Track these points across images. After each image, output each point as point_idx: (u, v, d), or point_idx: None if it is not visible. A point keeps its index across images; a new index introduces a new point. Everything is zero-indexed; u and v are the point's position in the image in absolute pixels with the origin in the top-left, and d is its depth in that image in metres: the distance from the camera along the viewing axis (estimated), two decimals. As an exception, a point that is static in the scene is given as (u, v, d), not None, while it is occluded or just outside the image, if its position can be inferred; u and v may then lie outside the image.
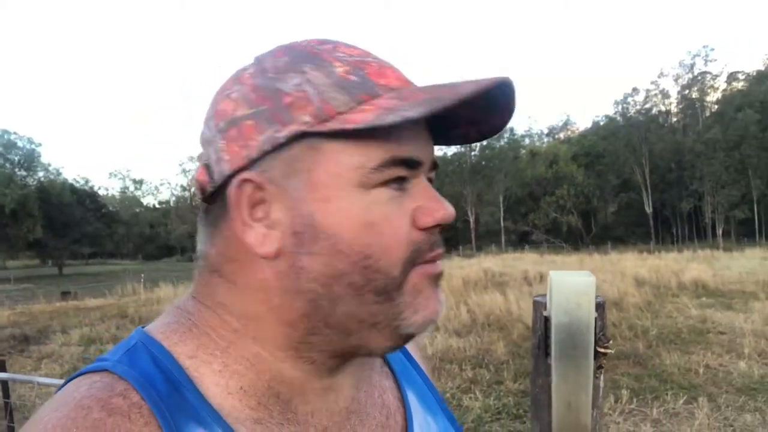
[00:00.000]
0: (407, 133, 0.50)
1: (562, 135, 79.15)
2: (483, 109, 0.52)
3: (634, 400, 5.74)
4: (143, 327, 0.55)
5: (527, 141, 74.77)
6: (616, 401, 5.68)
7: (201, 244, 0.55)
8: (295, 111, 0.48)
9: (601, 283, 14.09)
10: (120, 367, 0.47)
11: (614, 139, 57.48)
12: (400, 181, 0.50)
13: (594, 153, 60.49)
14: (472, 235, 62.45)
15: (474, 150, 67.33)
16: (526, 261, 26.83)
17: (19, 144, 50.96)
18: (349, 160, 0.48)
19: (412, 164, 0.50)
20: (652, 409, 5.50)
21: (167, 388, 0.47)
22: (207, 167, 0.52)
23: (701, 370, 6.75)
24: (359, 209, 0.48)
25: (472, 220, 63.27)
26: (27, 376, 5.48)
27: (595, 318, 1.22)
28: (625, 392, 5.85)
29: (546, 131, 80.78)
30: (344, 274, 0.48)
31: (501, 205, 62.18)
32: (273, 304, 0.51)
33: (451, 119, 0.53)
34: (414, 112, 0.44)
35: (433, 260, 0.52)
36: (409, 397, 0.65)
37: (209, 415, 0.47)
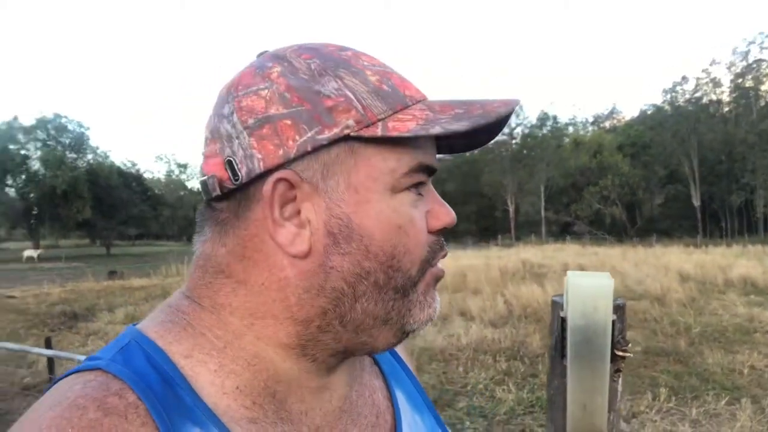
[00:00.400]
0: (427, 143, 0.54)
1: (607, 124, 77.12)
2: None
3: (673, 398, 5.60)
4: (135, 325, 0.54)
5: (571, 129, 73.21)
6: (654, 399, 5.57)
7: (204, 243, 0.55)
8: (338, 115, 0.49)
9: (644, 278, 13.78)
10: (114, 366, 0.47)
11: (662, 129, 55.54)
12: (420, 186, 0.54)
13: (640, 143, 58.70)
14: (512, 225, 61.75)
15: (515, 138, 66.38)
16: (566, 252, 26.41)
17: (70, 127, 52.78)
18: (384, 165, 0.50)
19: (431, 171, 0.54)
20: (691, 408, 5.36)
21: (163, 388, 0.47)
22: (230, 163, 0.51)
23: (746, 371, 6.54)
24: (390, 211, 0.51)
25: (511, 209, 62.54)
26: (70, 353, 5.71)
27: (614, 320, 1.20)
28: (663, 390, 5.72)
29: (591, 120, 78.89)
30: (370, 272, 0.51)
31: (542, 195, 61.17)
32: (290, 303, 0.51)
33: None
34: (458, 125, 0.48)
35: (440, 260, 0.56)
36: (398, 396, 0.66)
37: (205, 415, 0.47)
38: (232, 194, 0.52)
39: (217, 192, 0.51)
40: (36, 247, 46.02)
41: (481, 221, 68.76)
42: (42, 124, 51.09)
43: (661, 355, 7.33)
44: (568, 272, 1.22)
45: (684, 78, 61.31)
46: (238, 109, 0.51)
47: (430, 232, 0.54)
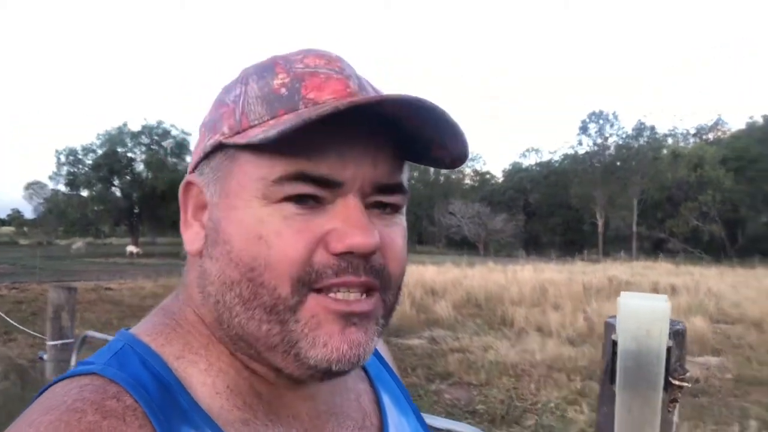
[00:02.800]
0: (328, 149, 0.47)
1: (711, 136, 72.58)
2: (431, 130, 0.49)
3: (765, 432, 5.16)
4: (128, 329, 0.55)
5: (670, 141, 69.48)
6: (741, 431, 5.14)
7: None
8: (222, 122, 0.51)
9: (741, 300, 12.84)
10: (109, 370, 0.47)
11: (772, 142, 51.67)
12: (313, 198, 0.48)
13: (747, 157, 54.77)
14: (600, 240, 59.34)
15: (609, 149, 63.84)
16: (658, 271, 25.07)
17: (173, 132, 56.00)
18: (255, 172, 0.48)
19: (325, 183, 0.47)
20: (785, 445, 4.92)
21: (158, 391, 0.47)
22: None
23: None
24: (253, 221, 0.47)
25: (600, 223, 60.12)
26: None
27: (671, 347, 1.10)
28: (754, 423, 5.29)
29: (693, 131, 74.54)
30: (234, 282, 0.48)
31: (635, 209, 58.40)
32: (200, 302, 0.53)
33: (417, 139, 0.51)
34: (274, 131, 0.44)
35: (339, 288, 0.48)
36: (384, 399, 0.66)
37: (200, 418, 0.47)
38: None
39: None
40: (135, 243, 49.15)
41: (566, 234, 66.62)
42: (147, 129, 54.62)
43: (755, 384, 6.79)
44: (622, 293, 1.14)
45: (798, 88, 56.53)
46: None
47: (332, 253, 0.47)
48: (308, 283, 0.47)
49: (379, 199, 0.51)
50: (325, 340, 0.47)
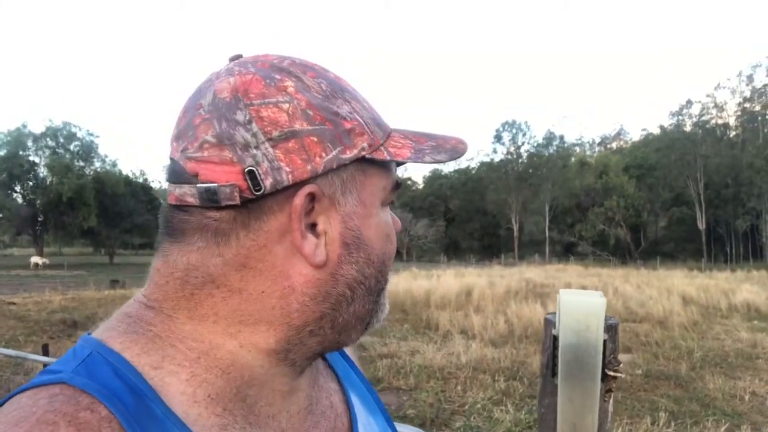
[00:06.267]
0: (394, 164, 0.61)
1: (614, 145, 77.18)
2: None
3: (672, 423, 5.53)
4: (90, 334, 0.53)
5: (578, 150, 73.28)
6: (653, 423, 5.50)
7: (188, 253, 0.53)
8: (355, 137, 0.54)
9: (646, 300, 13.70)
10: (79, 379, 0.46)
11: (668, 151, 55.60)
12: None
13: (646, 165, 58.68)
14: (515, 244, 61.60)
15: (522, 158, 66.45)
16: (570, 273, 26.32)
17: (79, 135, 53.03)
18: (380, 183, 0.57)
19: (399, 187, 0.61)
20: (690, 434, 5.30)
21: (133, 400, 0.46)
22: (251, 173, 0.49)
23: (747, 397, 6.45)
24: (384, 223, 0.58)
25: (515, 228, 62.43)
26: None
27: (606, 340, 1.19)
28: (663, 415, 5.65)
29: (598, 140, 78.96)
30: (368, 278, 0.56)
31: (547, 215, 61.11)
32: (290, 309, 0.52)
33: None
34: (440, 157, 0.57)
35: None
36: (353, 399, 0.68)
37: (176, 426, 0.47)
38: (242, 204, 0.50)
39: (234, 201, 0.50)
40: (40, 253, 46.09)
41: (484, 239, 68.69)
42: (51, 131, 51.30)
43: (662, 378, 7.25)
44: (561, 290, 1.22)
45: (689, 102, 61.33)
46: (257, 118, 0.50)
47: None
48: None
49: None
50: (385, 303, 0.61)
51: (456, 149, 0.59)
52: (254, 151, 0.50)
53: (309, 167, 0.50)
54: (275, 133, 0.50)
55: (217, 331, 0.52)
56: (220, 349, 0.52)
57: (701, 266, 36.04)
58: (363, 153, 0.54)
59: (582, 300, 1.18)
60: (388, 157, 0.55)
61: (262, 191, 0.49)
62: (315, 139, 0.51)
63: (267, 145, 0.50)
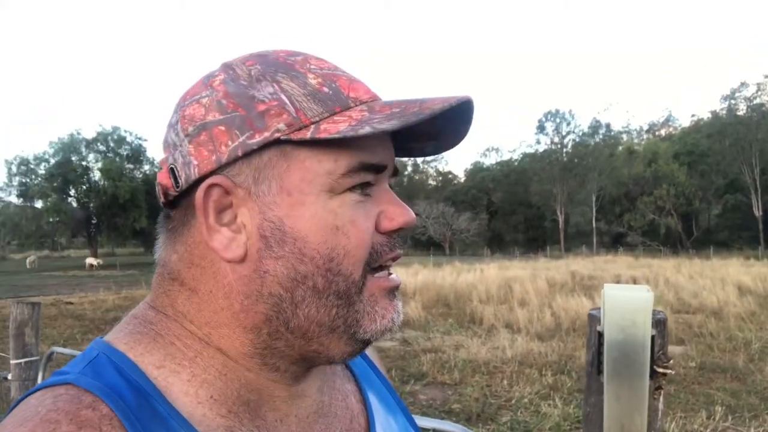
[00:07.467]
0: (374, 141, 0.52)
1: (663, 132, 74.79)
2: (444, 125, 0.54)
3: (729, 417, 5.33)
4: (102, 338, 0.54)
5: (625, 138, 71.36)
6: (708, 417, 5.30)
7: (160, 250, 0.56)
8: (269, 119, 0.49)
9: (700, 291, 13.25)
10: (84, 379, 0.46)
11: (721, 136, 53.51)
12: (366, 186, 0.52)
13: (698, 151, 56.66)
14: (561, 236, 60.48)
15: (566, 147, 65.15)
16: (618, 264, 25.70)
17: (128, 139, 54.64)
18: (320, 167, 0.50)
19: (378, 169, 0.53)
20: (749, 428, 5.09)
21: (136, 399, 0.46)
22: (172, 171, 0.52)
23: (808, 390, 6.18)
24: (328, 213, 0.50)
25: (561, 220, 61.27)
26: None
27: (654, 335, 1.14)
28: (719, 408, 5.45)
29: (646, 128, 76.68)
30: (307, 276, 0.50)
31: (593, 205, 59.74)
32: (235, 310, 0.51)
33: (412, 132, 0.55)
34: (388, 125, 0.47)
35: (389, 266, 0.55)
36: (371, 399, 0.66)
37: (180, 425, 0.47)
38: (179, 202, 0.53)
39: (162, 199, 0.54)
40: (94, 255, 47.81)
41: (529, 231, 67.68)
42: (102, 136, 53.13)
43: (718, 371, 7.00)
44: (605, 285, 1.18)
45: (743, 84, 58.81)
46: (181, 117, 0.52)
47: (383, 232, 0.53)
48: (371, 264, 0.52)
49: (390, 181, 0.57)
50: (382, 314, 0.53)
51: (421, 111, 0.48)
52: (177, 150, 0.52)
53: (214, 158, 0.50)
54: (190, 129, 0.51)
55: (197, 332, 0.52)
56: (209, 349, 0.52)
57: (758, 254, 34.63)
58: (277, 135, 0.49)
59: (628, 295, 1.13)
60: (311, 136, 0.48)
61: (180, 187, 0.51)
62: (223, 128, 0.50)
63: (185, 141, 0.51)
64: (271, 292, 0.50)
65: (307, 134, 0.49)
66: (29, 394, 0.47)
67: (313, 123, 0.49)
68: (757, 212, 50.25)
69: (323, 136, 0.48)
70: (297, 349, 0.52)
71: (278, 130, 0.49)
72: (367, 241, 0.51)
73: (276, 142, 0.49)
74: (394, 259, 0.55)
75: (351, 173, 0.50)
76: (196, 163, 0.50)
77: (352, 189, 0.51)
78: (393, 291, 0.55)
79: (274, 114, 0.49)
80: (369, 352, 0.74)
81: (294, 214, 0.49)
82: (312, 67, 0.53)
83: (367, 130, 0.47)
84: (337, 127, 0.48)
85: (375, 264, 0.53)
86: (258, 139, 0.49)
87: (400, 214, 0.53)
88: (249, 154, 0.49)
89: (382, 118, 0.48)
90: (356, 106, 0.51)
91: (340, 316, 0.51)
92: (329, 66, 0.54)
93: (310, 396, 0.58)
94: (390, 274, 0.55)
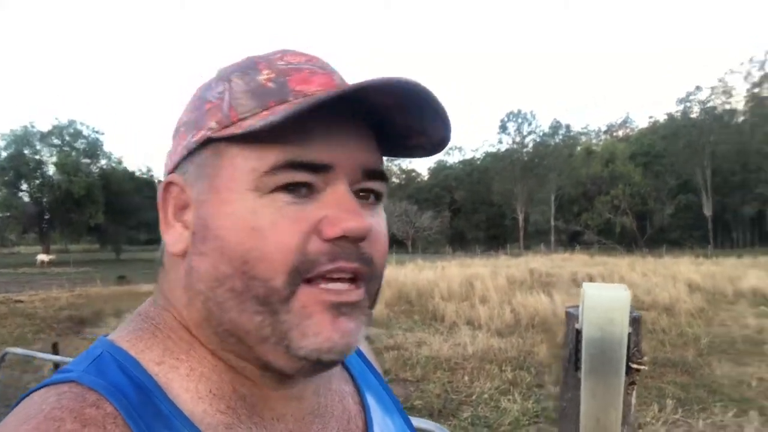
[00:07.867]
0: (317, 136, 0.48)
1: (620, 133, 76.83)
2: (413, 116, 0.50)
3: (680, 410, 5.52)
4: (107, 336, 0.54)
5: (584, 138, 72.99)
6: (660, 410, 5.48)
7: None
8: (208, 118, 0.50)
9: (652, 288, 13.65)
10: (87, 377, 0.46)
11: (675, 138, 55.26)
12: (305, 186, 0.48)
13: (653, 152, 58.46)
14: (521, 234, 61.53)
15: (527, 147, 66.25)
16: (575, 262, 26.27)
17: (84, 133, 53.05)
18: (245, 164, 0.48)
19: (316, 168, 0.48)
20: (698, 420, 5.29)
21: (139, 397, 0.46)
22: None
23: (754, 383, 6.46)
24: (247, 213, 0.47)
25: (521, 218, 62.33)
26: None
27: (629, 333, 1.17)
28: (670, 402, 5.64)
29: (604, 129, 78.61)
30: (227, 277, 0.47)
31: (552, 204, 60.97)
32: (185, 303, 0.52)
33: (395, 129, 0.53)
34: (278, 116, 0.44)
35: (331, 277, 0.48)
36: (369, 400, 0.66)
37: (182, 423, 0.47)
38: None
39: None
40: (46, 251, 46.25)
41: (490, 230, 68.66)
42: (57, 130, 51.30)
43: (669, 365, 7.24)
44: (584, 284, 1.20)
45: (698, 87, 60.86)
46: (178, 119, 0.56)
47: (326, 239, 0.47)
48: (302, 272, 0.47)
49: (366, 185, 0.51)
50: (316, 330, 0.47)
51: (307, 101, 0.45)
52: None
53: (175, 157, 0.53)
54: (173, 132, 0.55)
55: (184, 322, 0.53)
56: (196, 340, 0.52)
57: (707, 253, 35.93)
58: (208, 133, 0.49)
59: (606, 294, 1.16)
60: (231, 132, 0.47)
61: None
62: (183, 129, 0.53)
63: (172, 142, 0.55)
64: (199, 289, 0.50)
65: (230, 131, 0.48)
66: (32, 392, 0.47)
67: (240, 119, 0.48)
68: (708, 212, 52.15)
69: (238, 131, 0.47)
70: (247, 353, 0.50)
71: (210, 128, 0.50)
72: (289, 245, 0.46)
73: (210, 141, 0.50)
74: (338, 271, 0.48)
75: (275, 171, 0.47)
76: (168, 162, 0.55)
77: (284, 189, 0.47)
78: (338, 307, 0.48)
79: (212, 113, 0.50)
80: (365, 350, 0.74)
81: (219, 212, 0.48)
82: (279, 63, 0.51)
83: (269, 119, 0.44)
84: (254, 121, 0.47)
85: (309, 274, 0.47)
86: (197, 137, 0.50)
87: (343, 219, 0.47)
88: (192, 152, 0.51)
89: (282, 110, 0.45)
90: (294, 99, 0.48)
91: (266, 324, 0.47)
92: (300, 60, 0.52)
93: (307, 398, 0.57)
94: (333, 286, 0.48)
